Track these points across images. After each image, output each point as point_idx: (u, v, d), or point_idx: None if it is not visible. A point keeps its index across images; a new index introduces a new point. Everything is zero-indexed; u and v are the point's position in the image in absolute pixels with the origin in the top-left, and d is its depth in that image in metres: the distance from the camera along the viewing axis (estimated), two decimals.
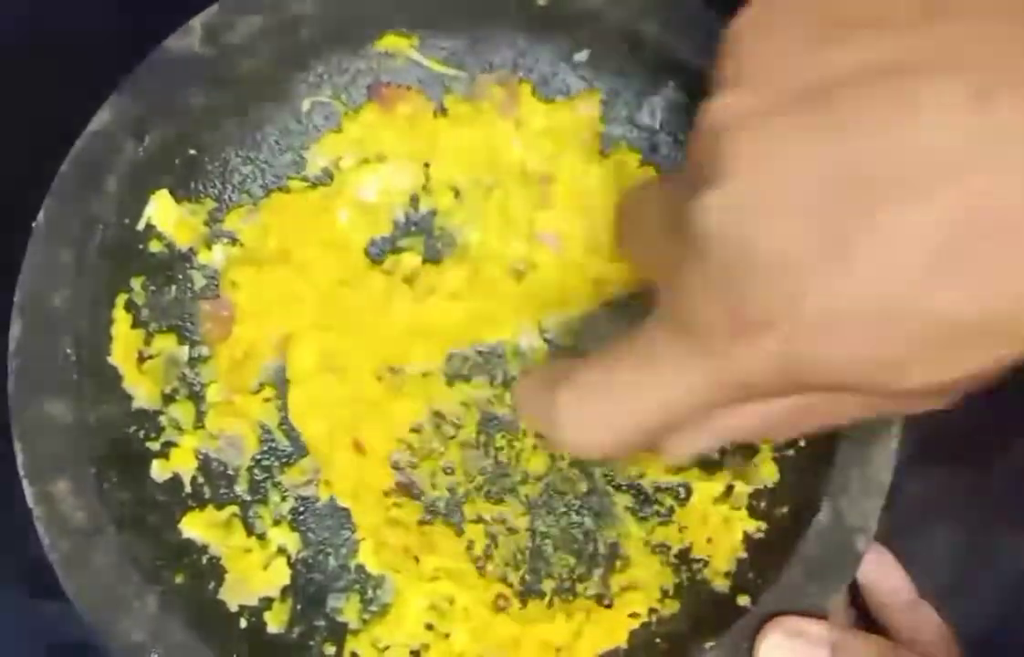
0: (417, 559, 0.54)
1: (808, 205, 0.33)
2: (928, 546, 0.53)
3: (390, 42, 0.55)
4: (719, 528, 0.53)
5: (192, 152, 0.53)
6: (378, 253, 0.56)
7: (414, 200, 0.56)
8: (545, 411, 0.41)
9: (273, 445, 0.55)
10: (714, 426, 0.40)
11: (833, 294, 0.33)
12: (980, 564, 0.56)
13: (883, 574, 0.53)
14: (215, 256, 0.55)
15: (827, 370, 0.35)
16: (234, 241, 0.55)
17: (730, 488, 0.53)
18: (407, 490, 0.55)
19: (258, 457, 0.54)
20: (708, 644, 0.48)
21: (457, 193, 0.56)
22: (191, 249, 0.54)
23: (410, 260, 0.56)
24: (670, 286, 0.38)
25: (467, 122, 0.56)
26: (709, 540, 0.53)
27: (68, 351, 0.49)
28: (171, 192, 0.53)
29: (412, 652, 0.53)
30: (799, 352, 0.34)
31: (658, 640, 0.51)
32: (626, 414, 0.40)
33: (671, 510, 0.54)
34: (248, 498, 0.54)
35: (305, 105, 0.55)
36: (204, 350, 0.54)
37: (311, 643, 0.52)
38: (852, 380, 0.35)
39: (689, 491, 0.54)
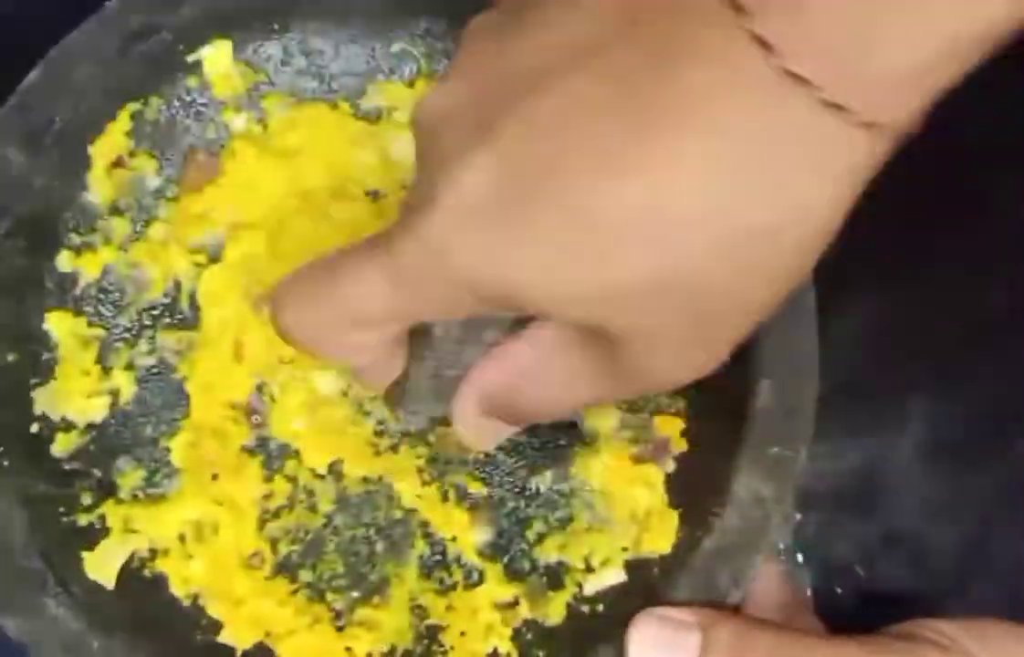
0: (215, 476, 0.50)
1: (476, 96, 0.35)
2: (928, 546, 0.51)
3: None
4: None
5: (274, 26, 0.54)
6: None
7: None
8: (273, 302, 0.42)
9: (172, 302, 0.52)
10: (471, 387, 0.42)
11: (471, 177, 0.34)
12: (980, 564, 0.54)
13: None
14: (237, 121, 0.54)
15: (476, 262, 0.35)
16: (261, 121, 0.54)
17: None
18: (248, 414, 0.51)
19: (154, 304, 0.52)
20: None
21: None
22: (222, 102, 0.53)
23: None
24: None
25: None
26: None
27: (55, 119, 0.50)
28: (234, 46, 0.53)
29: (150, 550, 0.49)
30: (446, 237, 0.35)
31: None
32: (320, 300, 0.40)
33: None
34: (119, 331, 0.52)
35: (395, 48, 0.54)
36: (174, 189, 0.53)
37: (76, 483, 0.49)
38: (500, 274, 0.35)
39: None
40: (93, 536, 0.48)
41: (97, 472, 0.50)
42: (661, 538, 0.48)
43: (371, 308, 0.39)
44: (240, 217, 0.53)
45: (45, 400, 0.50)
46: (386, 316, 0.39)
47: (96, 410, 0.50)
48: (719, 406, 0.48)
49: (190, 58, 0.53)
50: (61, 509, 0.48)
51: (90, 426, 0.50)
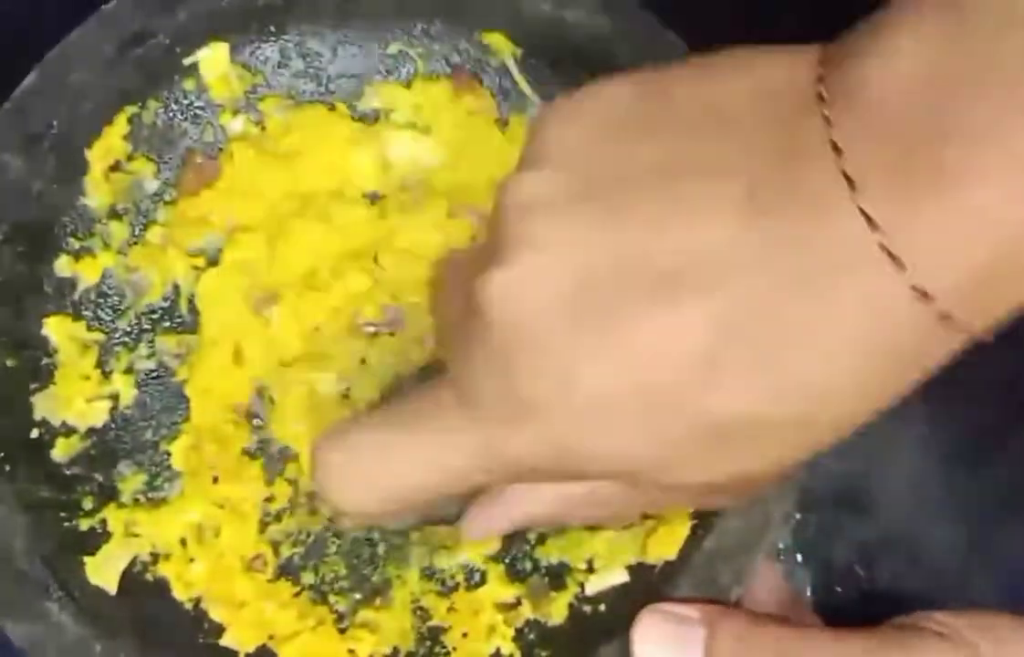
0: (216, 479, 0.50)
1: (583, 293, 0.33)
2: (928, 546, 0.51)
3: (493, 38, 0.53)
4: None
5: (271, 28, 0.53)
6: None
7: None
8: (316, 462, 0.41)
9: (171, 306, 0.52)
10: (509, 507, 0.41)
11: (600, 383, 0.33)
12: (980, 564, 0.54)
13: None
14: (235, 124, 0.53)
15: (596, 459, 0.35)
16: (258, 123, 0.53)
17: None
18: (249, 418, 0.51)
19: (153, 307, 0.52)
20: None
21: None
22: (219, 104, 0.53)
23: None
24: (457, 356, 0.38)
25: None
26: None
27: (52, 124, 0.50)
28: (231, 49, 0.53)
29: (152, 554, 0.49)
30: (567, 438, 0.34)
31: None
32: (394, 475, 0.39)
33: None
34: (119, 336, 0.52)
35: (392, 49, 0.54)
36: (172, 193, 0.53)
37: (77, 488, 0.49)
38: (622, 471, 0.35)
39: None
40: (95, 541, 0.48)
41: (98, 476, 0.49)
42: (668, 544, 0.48)
43: (451, 482, 0.38)
44: (238, 220, 0.53)
45: (45, 405, 0.49)
46: (462, 485, 0.39)
47: (96, 414, 0.50)
48: None
49: (187, 61, 0.53)
50: (62, 514, 0.48)
51: (90, 430, 0.50)
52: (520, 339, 0.34)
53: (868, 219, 0.30)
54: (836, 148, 0.31)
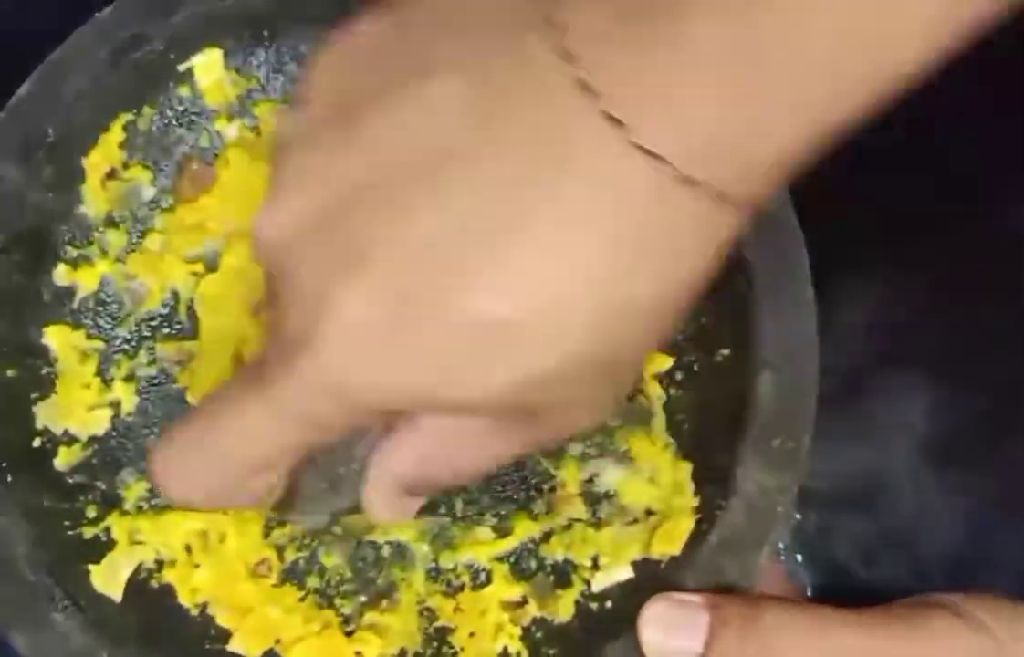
0: None
1: (326, 220, 0.34)
2: (928, 546, 0.51)
3: None
4: None
5: (264, 33, 0.53)
6: None
7: None
8: (151, 463, 0.41)
9: (171, 313, 0.52)
10: (381, 474, 0.41)
11: (354, 307, 0.33)
12: (980, 564, 0.54)
13: None
14: (230, 130, 0.54)
15: (370, 390, 0.34)
16: (254, 128, 0.54)
17: None
18: None
19: (152, 314, 0.52)
20: None
21: None
22: (214, 110, 0.53)
23: None
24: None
25: None
26: None
27: (48, 132, 0.50)
28: (225, 54, 0.53)
29: (156, 561, 0.49)
30: (337, 373, 0.34)
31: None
32: (209, 460, 0.39)
33: None
34: (119, 343, 0.52)
35: None
36: (169, 200, 0.53)
37: (80, 497, 0.49)
38: (400, 397, 0.35)
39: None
40: (99, 549, 0.48)
41: (101, 485, 0.49)
42: (673, 540, 0.48)
43: (264, 452, 0.38)
44: (236, 225, 0.53)
45: (46, 414, 0.49)
46: (281, 454, 0.38)
47: (98, 423, 0.50)
48: (720, 400, 0.48)
49: (181, 67, 0.53)
50: (66, 523, 0.48)
51: (92, 439, 0.50)
52: (280, 275, 0.35)
53: (586, 87, 0.31)
54: (551, 23, 0.32)
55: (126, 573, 0.48)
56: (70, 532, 0.48)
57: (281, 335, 0.35)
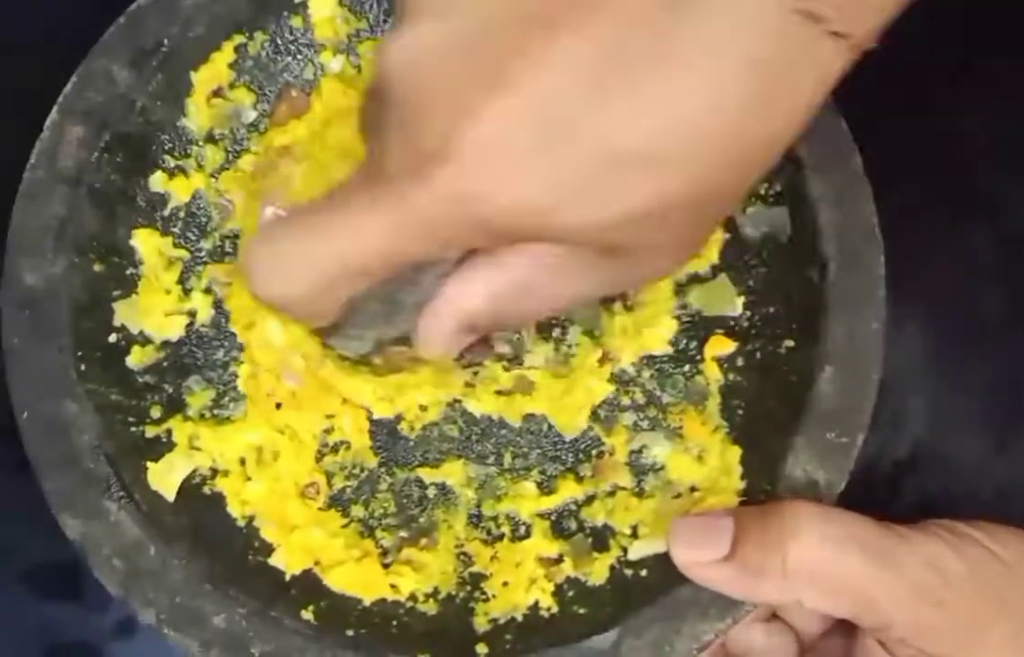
0: (279, 405, 0.51)
1: (472, 40, 0.34)
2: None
3: None
4: None
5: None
6: None
7: None
8: (244, 259, 0.42)
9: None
10: (443, 305, 0.41)
11: (494, 122, 0.34)
12: None
13: None
14: (334, 64, 0.55)
15: (498, 204, 0.35)
16: (356, 65, 0.55)
17: None
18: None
19: (236, 232, 0.53)
20: None
21: None
22: (321, 44, 0.55)
23: None
24: (368, 139, 0.39)
25: None
26: None
27: (163, 43, 0.52)
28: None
29: (211, 469, 0.51)
30: (468, 184, 0.35)
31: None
32: (307, 256, 0.40)
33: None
34: (202, 255, 0.53)
35: None
36: (267, 124, 0.54)
37: (147, 397, 0.50)
38: (524, 215, 0.36)
39: None
40: (159, 449, 0.49)
41: (168, 388, 0.51)
42: None
43: (372, 256, 0.39)
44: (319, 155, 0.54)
45: (126, 313, 0.51)
46: (384, 265, 0.39)
47: (173, 328, 0.52)
48: (778, 390, 0.48)
49: None
50: (131, 419, 0.49)
51: (165, 343, 0.51)
52: (416, 93, 0.35)
53: None
54: None
55: (181, 475, 0.49)
56: (133, 428, 0.49)
57: (408, 150, 0.36)
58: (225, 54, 0.53)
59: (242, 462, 0.50)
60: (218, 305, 0.52)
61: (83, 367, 0.48)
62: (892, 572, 0.42)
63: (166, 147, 0.52)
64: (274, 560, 0.49)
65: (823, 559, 0.42)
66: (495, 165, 0.35)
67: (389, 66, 0.36)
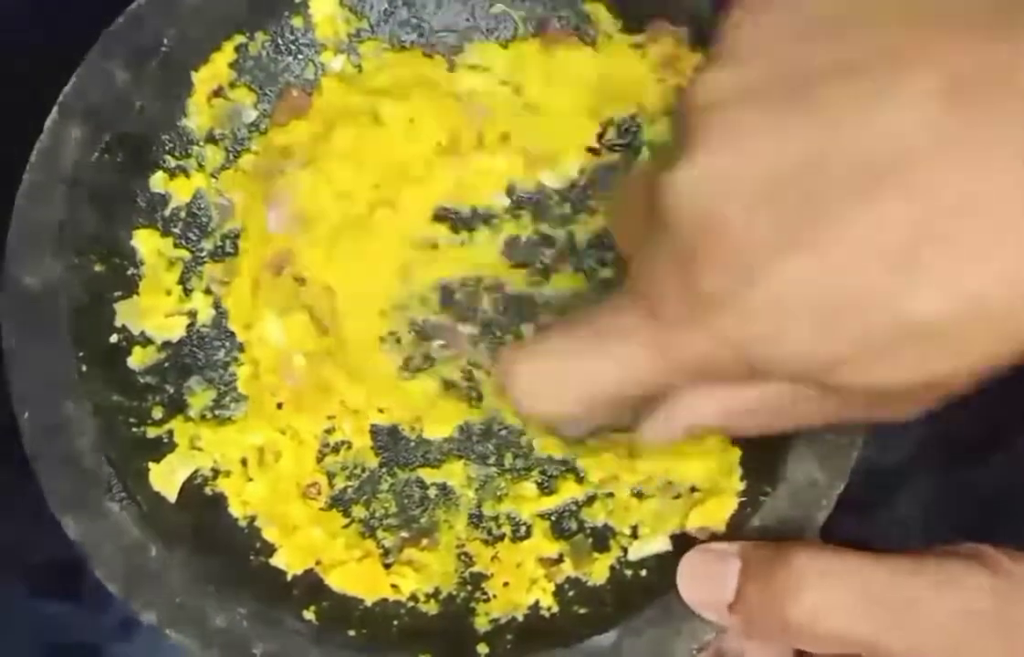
0: (280, 405, 0.51)
1: (773, 189, 0.33)
2: (928, 545, 0.47)
3: (594, 7, 0.55)
4: None
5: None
6: None
7: None
8: (504, 373, 0.42)
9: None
10: (678, 411, 0.41)
11: (788, 281, 0.33)
12: None
13: None
14: (334, 63, 0.55)
15: (781, 358, 0.35)
16: (357, 65, 0.55)
17: None
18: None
19: (236, 232, 0.53)
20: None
21: None
22: (322, 43, 0.55)
23: None
24: (640, 264, 0.38)
25: None
26: None
27: (162, 42, 0.51)
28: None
29: (213, 469, 0.51)
30: (750, 336, 0.34)
31: None
32: (574, 379, 0.40)
33: None
34: (202, 255, 0.53)
35: (496, 8, 0.56)
36: (267, 124, 0.54)
37: (148, 397, 0.50)
38: (807, 371, 0.35)
39: None
40: (160, 449, 0.49)
41: (169, 388, 0.51)
42: (715, 516, 0.48)
43: (630, 394, 0.39)
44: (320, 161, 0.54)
45: (127, 313, 0.51)
46: (652, 393, 0.40)
47: (174, 329, 0.51)
48: None
49: None
50: (132, 420, 0.49)
51: (167, 344, 0.51)
52: (705, 234, 0.34)
53: None
54: None
55: (182, 476, 0.49)
56: (135, 429, 0.49)
57: (688, 284, 0.35)
58: (225, 54, 0.53)
59: (243, 463, 0.50)
60: (219, 306, 0.52)
61: (84, 368, 0.48)
62: (911, 630, 0.41)
63: (167, 147, 0.53)
64: (276, 560, 0.49)
65: (829, 625, 0.41)
66: (781, 321, 0.34)
67: (675, 196, 0.35)
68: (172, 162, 0.52)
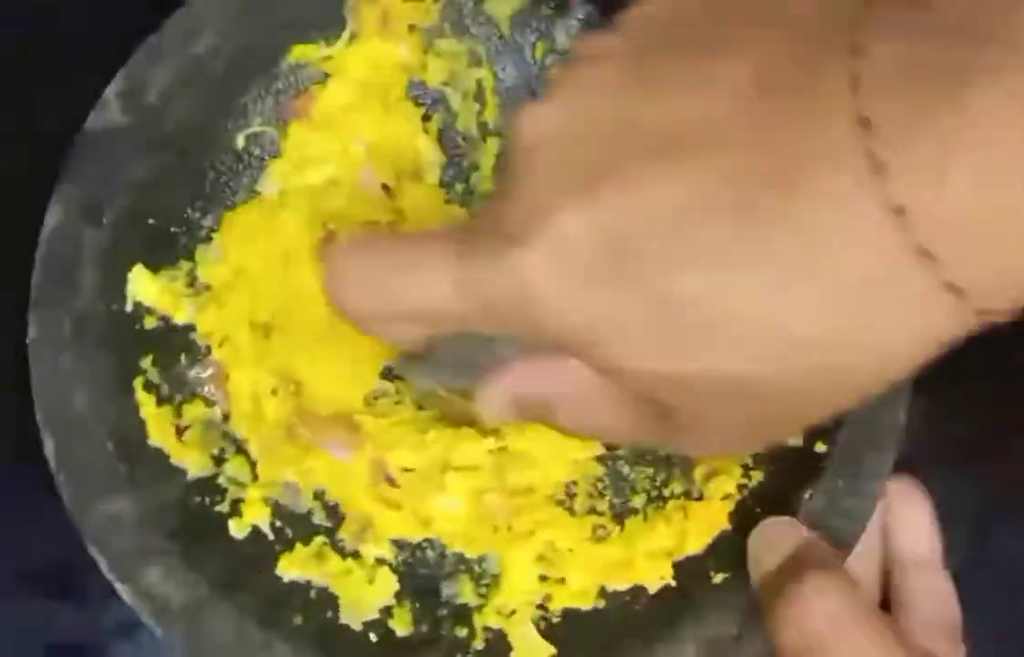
0: (510, 527, 0.52)
1: (585, 139, 0.35)
2: None
3: (300, 53, 0.54)
4: None
5: (151, 222, 0.52)
6: None
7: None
8: (328, 259, 0.43)
9: None
10: (509, 382, 0.41)
11: (570, 225, 0.34)
12: (980, 564, 0.55)
13: (905, 515, 0.51)
14: (188, 311, 0.53)
15: (554, 309, 0.36)
16: (208, 287, 0.53)
17: None
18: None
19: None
20: (806, 494, 0.47)
21: None
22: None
23: None
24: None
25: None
26: None
27: (108, 447, 0.48)
28: (145, 265, 0.51)
29: (538, 606, 0.50)
30: (533, 277, 0.35)
31: (757, 510, 0.49)
32: (382, 280, 0.40)
33: None
34: (329, 524, 0.52)
35: (240, 141, 0.54)
36: None
37: (442, 633, 0.50)
38: (575, 333, 0.36)
39: None
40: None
41: (443, 612, 0.51)
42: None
43: (430, 309, 0.39)
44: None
45: (354, 615, 0.50)
46: (441, 320, 0.40)
47: (388, 584, 0.51)
48: None
49: (128, 308, 0.52)
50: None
51: (398, 595, 0.51)
52: (520, 169, 0.37)
53: (864, 123, 0.30)
54: (855, 50, 0.31)
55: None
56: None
57: (497, 222, 0.37)
58: (146, 402, 0.51)
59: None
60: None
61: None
62: None
63: (208, 504, 0.51)
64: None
65: None
66: (559, 269, 0.35)
67: (515, 134, 0.37)
68: (225, 507, 0.51)
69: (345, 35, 0.53)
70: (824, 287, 0.32)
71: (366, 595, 0.50)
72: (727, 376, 0.34)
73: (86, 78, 0.50)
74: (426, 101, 0.55)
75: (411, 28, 0.53)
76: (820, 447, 0.48)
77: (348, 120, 0.54)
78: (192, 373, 0.51)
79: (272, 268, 0.52)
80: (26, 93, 0.59)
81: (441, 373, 0.45)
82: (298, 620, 0.47)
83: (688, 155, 0.33)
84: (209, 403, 0.51)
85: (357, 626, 0.48)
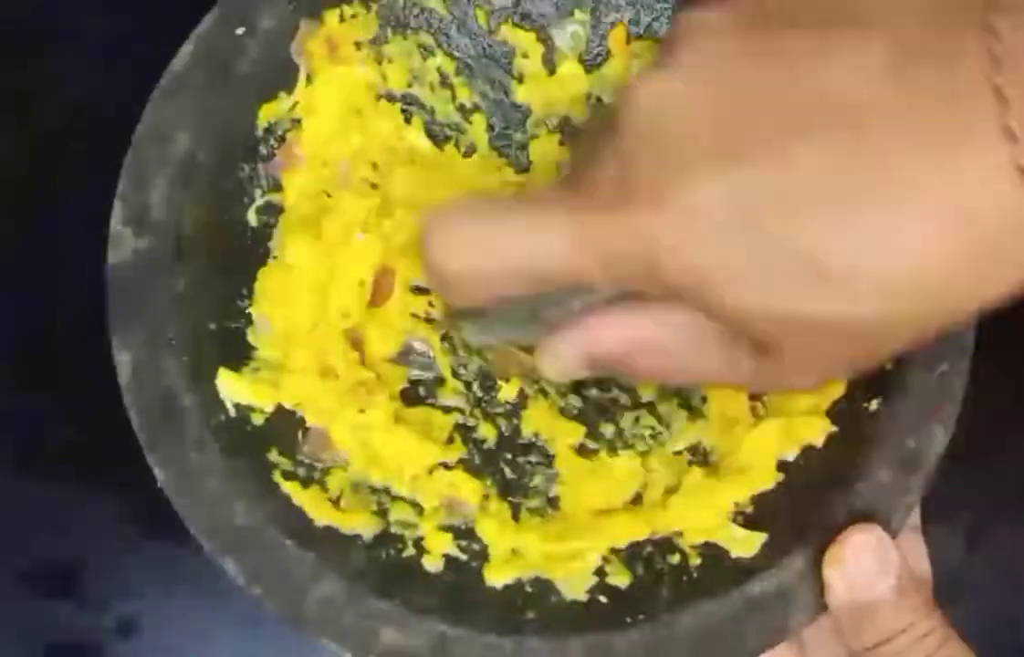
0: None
1: (717, 106, 0.36)
2: (927, 546, 0.51)
3: (268, 112, 0.53)
4: None
5: (211, 327, 0.50)
6: None
7: None
8: (425, 226, 0.42)
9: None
10: (579, 335, 0.42)
11: (710, 190, 0.35)
12: (980, 563, 0.57)
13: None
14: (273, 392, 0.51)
15: (677, 267, 0.36)
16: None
17: None
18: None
19: None
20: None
21: None
22: None
23: None
24: (581, 156, 0.41)
25: None
26: None
27: (288, 544, 0.47)
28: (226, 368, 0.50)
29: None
30: (658, 234, 0.36)
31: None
32: (487, 235, 0.40)
33: None
34: None
35: (252, 218, 0.52)
36: None
37: (658, 567, 0.48)
38: (694, 286, 0.37)
39: None
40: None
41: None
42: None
43: (544, 266, 0.39)
44: None
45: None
46: (553, 276, 0.40)
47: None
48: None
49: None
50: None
51: None
52: (648, 135, 0.37)
53: (1000, 96, 0.32)
54: (990, 29, 0.33)
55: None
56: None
57: (619, 183, 0.37)
58: (295, 491, 0.49)
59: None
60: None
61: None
62: None
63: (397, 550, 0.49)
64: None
65: None
66: (693, 227, 0.36)
67: (634, 102, 0.37)
68: (412, 551, 0.49)
69: (301, 78, 0.52)
70: (945, 243, 0.34)
71: (573, 568, 0.48)
72: (839, 317, 0.36)
73: (86, 78, 0.50)
74: (402, 105, 0.54)
75: (358, 45, 0.53)
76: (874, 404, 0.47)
77: (333, 149, 0.53)
78: (306, 448, 0.50)
79: (310, 315, 0.52)
80: (26, 93, 0.59)
81: (502, 329, 0.45)
82: (531, 615, 0.46)
83: (833, 129, 0.34)
84: (344, 466, 0.50)
85: (581, 596, 0.47)
